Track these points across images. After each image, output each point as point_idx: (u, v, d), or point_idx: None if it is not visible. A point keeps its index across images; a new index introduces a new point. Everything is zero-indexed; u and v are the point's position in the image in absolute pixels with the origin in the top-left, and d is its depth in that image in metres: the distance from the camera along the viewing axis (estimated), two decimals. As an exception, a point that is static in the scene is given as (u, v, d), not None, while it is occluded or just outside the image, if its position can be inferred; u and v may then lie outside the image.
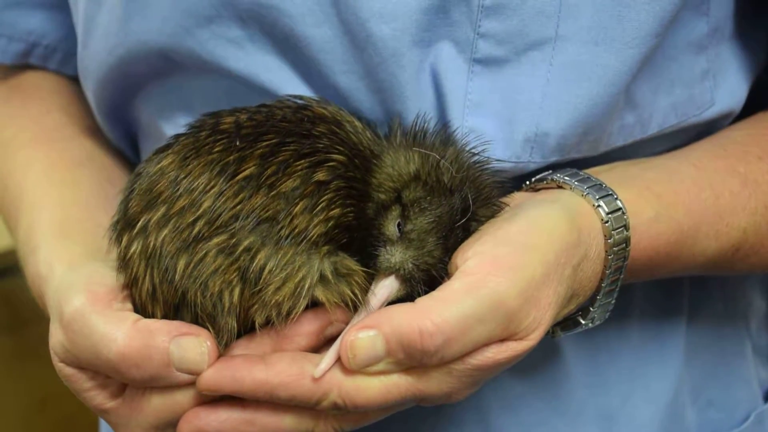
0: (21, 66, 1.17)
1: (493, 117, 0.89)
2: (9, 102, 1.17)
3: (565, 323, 0.90)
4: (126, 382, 0.82)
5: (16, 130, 1.13)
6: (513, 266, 0.77)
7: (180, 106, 0.99)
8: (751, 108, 1.04)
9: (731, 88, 1.00)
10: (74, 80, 1.17)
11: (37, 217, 1.00)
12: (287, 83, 0.91)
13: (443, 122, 0.89)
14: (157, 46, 0.94)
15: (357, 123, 0.87)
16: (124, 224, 0.84)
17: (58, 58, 1.16)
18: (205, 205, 0.79)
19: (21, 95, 1.17)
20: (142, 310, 0.83)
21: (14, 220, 1.05)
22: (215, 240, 0.79)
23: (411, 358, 0.76)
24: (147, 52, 0.95)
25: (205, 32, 0.91)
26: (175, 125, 0.98)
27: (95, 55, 1.00)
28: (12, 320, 2.24)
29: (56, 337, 0.83)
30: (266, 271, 0.78)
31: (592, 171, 0.91)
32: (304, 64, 0.90)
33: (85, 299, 0.81)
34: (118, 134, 1.11)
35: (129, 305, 0.83)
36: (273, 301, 0.79)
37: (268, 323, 0.80)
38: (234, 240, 0.79)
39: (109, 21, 0.96)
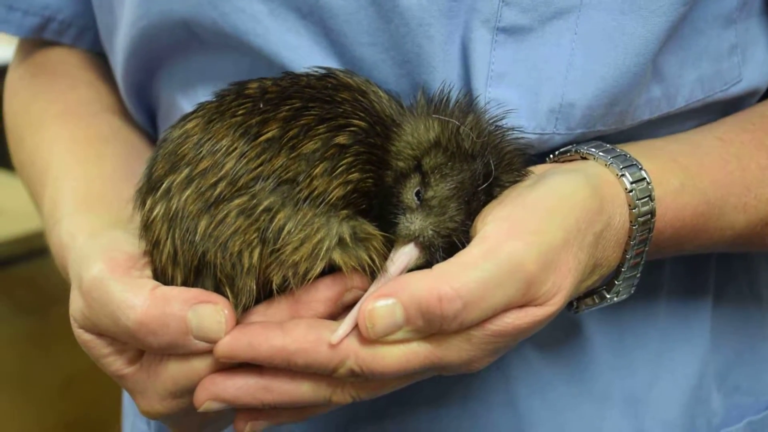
0: (47, 42, 1.19)
1: (517, 87, 0.89)
2: (36, 78, 1.18)
3: (590, 297, 0.90)
4: (143, 349, 0.82)
5: (44, 105, 1.14)
6: (531, 230, 0.77)
7: (202, 84, 0.99)
8: None
9: (759, 64, 0.99)
10: (100, 57, 1.18)
11: (61, 190, 1.00)
12: (307, 60, 0.90)
13: (466, 92, 0.88)
14: (180, 17, 0.94)
15: (382, 93, 0.87)
16: (148, 188, 0.85)
17: (72, 32, 1.17)
18: (227, 166, 0.79)
19: (48, 71, 1.18)
20: (162, 273, 0.83)
21: (40, 193, 1.06)
22: (236, 201, 0.79)
23: (430, 325, 0.75)
24: (170, 23, 0.95)
25: (227, 4, 0.91)
26: (196, 103, 0.98)
27: (122, 28, 1.01)
28: (36, 302, 2.27)
29: (76, 303, 0.83)
30: (285, 231, 0.78)
31: (617, 146, 0.90)
32: (328, 37, 0.90)
33: (104, 266, 0.81)
34: (141, 114, 1.12)
35: (148, 272, 0.84)
36: (290, 260, 0.79)
37: (285, 285, 0.80)
38: (254, 201, 0.79)
39: None
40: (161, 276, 0.83)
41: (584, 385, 1.02)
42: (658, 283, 1.02)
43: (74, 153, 1.06)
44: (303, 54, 0.91)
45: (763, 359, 1.11)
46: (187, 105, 1.00)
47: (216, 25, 0.92)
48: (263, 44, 0.92)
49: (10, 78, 1.22)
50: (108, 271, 0.81)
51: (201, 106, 0.86)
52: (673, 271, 1.04)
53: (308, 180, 0.79)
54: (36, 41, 1.20)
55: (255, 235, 0.79)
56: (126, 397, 1.29)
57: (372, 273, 0.81)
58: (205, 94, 0.95)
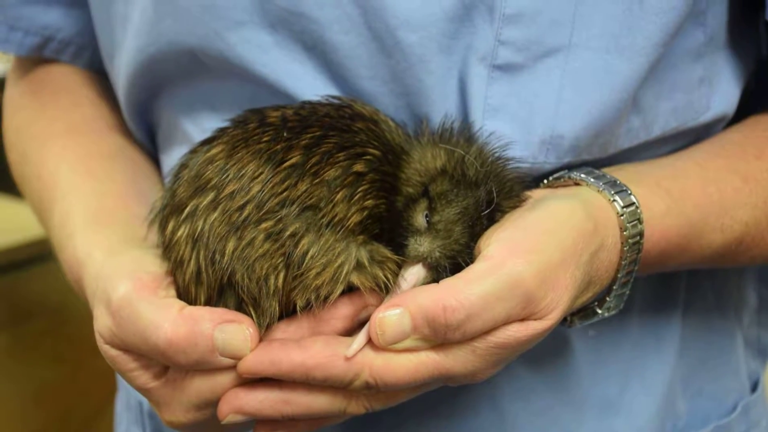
0: (45, 59, 1.20)
1: (511, 120, 0.93)
2: (39, 96, 1.19)
3: (583, 312, 0.94)
4: (171, 365, 0.85)
5: (48, 121, 1.15)
6: (531, 249, 0.81)
7: (205, 107, 1.02)
8: (740, 113, 1.08)
9: (725, 93, 1.04)
10: (101, 75, 1.19)
11: (72, 205, 1.02)
12: (309, 89, 0.94)
13: (467, 123, 0.93)
14: (187, 47, 0.97)
15: (391, 122, 0.91)
16: (171, 209, 0.87)
17: (71, 51, 1.19)
18: (254, 190, 0.83)
19: (50, 89, 1.19)
20: (184, 292, 0.86)
21: (47, 208, 1.07)
22: (263, 225, 0.82)
23: (436, 334, 0.79)
24: (177, 52, 0.98)
25: (234, 36, 0.94)
26: (198, 125, 1.02)
27: (127, 52, 1.03)
28: (8, 317, 2.25)
29: (102, 320, 0.86)
30: (309, 256, 0.82)
31: (604, 170, 0.95)
32: (330, 69, 0.94)
33: (131, 286, 0.84)
34: (141, 132, 1.13)
35: (173, 292, 0.86)
36: (313, 285, 0.82)
37: (307, 306, 0.84)
38: (281, 226, 0.82)
39: (140, 21, 0.99)
40: (184, 295, 0.86)
41: (564, 391, 1.07)
42: (631, 297, 1.05)
43: (83, 169, 1.07)
44: (306, 83, 0.95)
45: (726, 366, 1.17)
46: (189, 127, 1.03)
47: (222, 54, 0.95)
48: (268, 73, 0.95)
49: (10, 94, 1.23)
50: (135, 291, 0.83)
51: (223, 133, 0.89)
52: (646, 285, 1.09)
53: (330, 205, 0.83)
54: (34, 58, 1.21)
55: (281, 259, 0.82)
56: (119, 403, 1.30)
57: (387, 291, 0.85)
58: (208, 118, 0.99)
